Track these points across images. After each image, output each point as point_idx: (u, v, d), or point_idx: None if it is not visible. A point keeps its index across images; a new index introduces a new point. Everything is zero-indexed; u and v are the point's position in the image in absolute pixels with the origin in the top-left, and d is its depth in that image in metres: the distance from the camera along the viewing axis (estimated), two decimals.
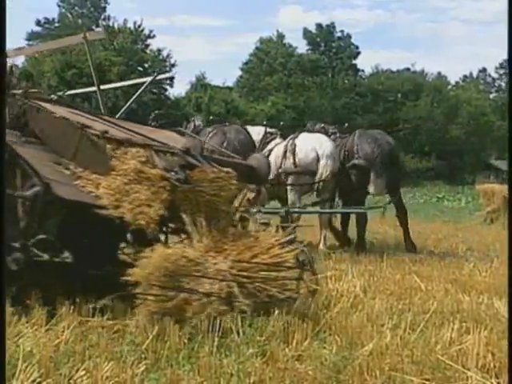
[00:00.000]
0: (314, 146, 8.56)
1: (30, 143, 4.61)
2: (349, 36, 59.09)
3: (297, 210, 8.29)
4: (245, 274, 4.15)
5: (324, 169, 8.37)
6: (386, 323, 4.16)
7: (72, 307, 4.10)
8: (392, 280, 6.07)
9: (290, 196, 8.52)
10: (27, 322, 3.93)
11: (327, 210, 8.82)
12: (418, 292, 5.44)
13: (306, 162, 8.47)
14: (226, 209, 4.70)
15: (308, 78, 54.47)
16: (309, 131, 9.74)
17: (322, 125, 10.11)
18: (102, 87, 9.03)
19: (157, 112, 11.23)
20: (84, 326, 3.91)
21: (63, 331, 3.72)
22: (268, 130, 9.62)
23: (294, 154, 8.49)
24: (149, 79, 10.34)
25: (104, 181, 4.31)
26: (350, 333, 3.90)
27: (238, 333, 3.81)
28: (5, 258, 3.65)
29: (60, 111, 4.84)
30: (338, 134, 9.59)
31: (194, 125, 9.91)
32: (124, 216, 4.16)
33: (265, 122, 11.15)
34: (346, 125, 10.68)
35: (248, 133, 9.10)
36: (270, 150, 8.87)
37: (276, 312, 4.05)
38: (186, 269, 3.99)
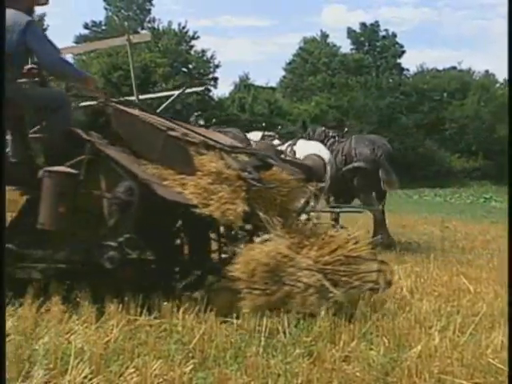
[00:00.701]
0: (312, 153, 8.66)
1: (112, 145, 4.69)
2: (394, 35, 58.37)
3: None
4: (329, 267, 4.40)
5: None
6: (435, 325, 4.11)
7: (120, 306, 4.17)
8: (439, 281, 5.99)
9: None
10: (78, 320, 4.00)
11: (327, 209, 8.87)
12: (467, 294, 5.35)
13: None
14: (292, 208, 4.98)
15: (352, 77, 54.01)
16: (309, 135, 9.93)
17: (323, 128, 10.25)
18: (140, 97, 9.20)
19: (198, 113, 11.44)
20: (132, 324, 3.96)
21: (112, 329, 3.77)
22: (266, 133, 9.78)
23: None
24: (176, 92, 10.52)
25: (190, 181, 4.48)
26: (397, 334, 3.86)
27: (285, 333, 3.83)
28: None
29: (139, 114, 4.98)
30: (337, 138, 9.73)
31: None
32: (213, 214, 4.34)
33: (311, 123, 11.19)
34: (346, 130, 10.84)
35: (245, 136, 9.26)
36: None
37: (322, 312, 4.05)
38: (283, 264, 4.21)
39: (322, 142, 9.36)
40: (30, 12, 4.66)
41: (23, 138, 4.70)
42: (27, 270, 4.50)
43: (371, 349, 3.64)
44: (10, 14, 4.41)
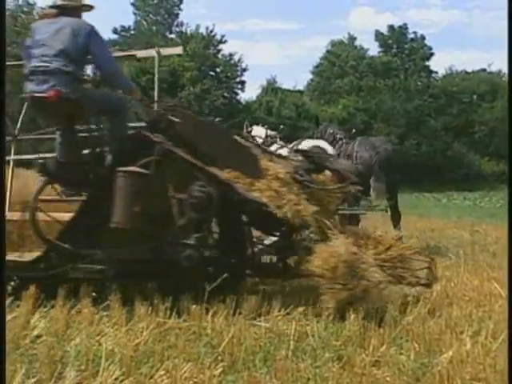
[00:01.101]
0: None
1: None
2: (422, 37, 57.97)
3: None
4: (387, 264, 4.69)
5: None
6: (466, 330, 4.05)
7: (150, 308, 4.20)
8: (470, 286, 5.90)
9: None
10: (108, 322, 4.04)
11: None
12: (499, 299, 5.25)
13: None
14: (333, 209, 5.25)
15: (380, 80, 53.71)
16: (321, 133, 9.92)
17: (332, 131, 10.20)
18: None
19: (218, 119, 11.65)
20: (162, 327, 3.97)
21: (142, 332, 3.80)
22: (269, 132, 9.77)
23: None
24: None
25: (259, 183, 4.68)
26: (428, 339, 3.81)
27: (314, 336, 3.81)
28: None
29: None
30: (344, 140, 9.68)
31: None
32: (286, 215, 4.56)
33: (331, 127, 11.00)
34: (354, 131, 10.79)
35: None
36: None
37: (352, 316, 4.04)
38: (356, 260, 4.40)
39: (331, 143, 9.33)
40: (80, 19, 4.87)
41: (73, 139, 4.80)
42: (85, 270, 4.59)
43: (401, 353, 3.61)
44: (71, 20, 4.66)
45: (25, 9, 42.81)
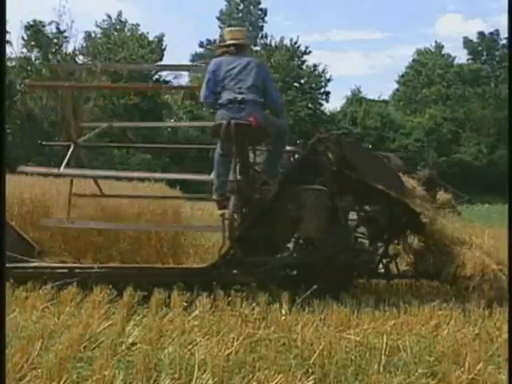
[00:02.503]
0: None
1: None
2: None
3: None
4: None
5: None
6: None
7: (239, 319, 4.23)
8: None
9: None
10: (199, 332, 4.09)
11: None
12: None
13: None
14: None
15: (469, 88, 52.31)
16: None
17: None
18: None
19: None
20: (252, 337, 3.98)
21: (233, 342, 3.81)
22: None
23: None
24: None
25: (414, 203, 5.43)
26: None
27: (406, 351, 3.73)
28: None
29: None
30: None
31: None
32: (436, 229, 5.42)
33: None
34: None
35: None
36: None
37: (445, 332, 3.93)
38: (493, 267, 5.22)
39: None
40: None
41: (246, 160, 5.32)
42: (255, 275, 5.16)
43: (500, 373, 3.47)
44: (251, 58, 5.48)
45: (117, 26, 44.49)
